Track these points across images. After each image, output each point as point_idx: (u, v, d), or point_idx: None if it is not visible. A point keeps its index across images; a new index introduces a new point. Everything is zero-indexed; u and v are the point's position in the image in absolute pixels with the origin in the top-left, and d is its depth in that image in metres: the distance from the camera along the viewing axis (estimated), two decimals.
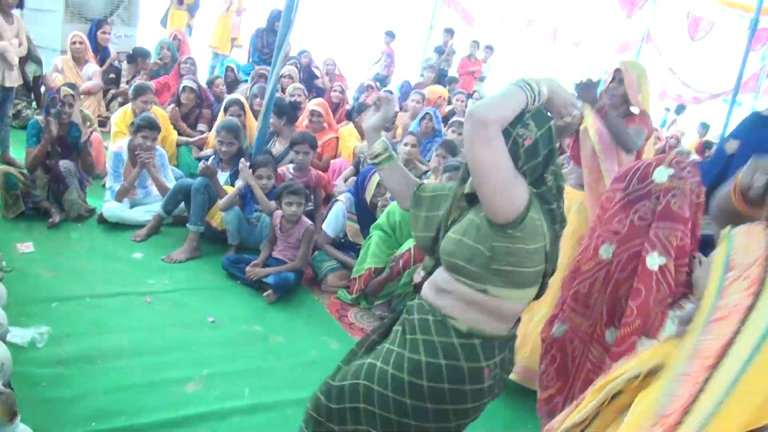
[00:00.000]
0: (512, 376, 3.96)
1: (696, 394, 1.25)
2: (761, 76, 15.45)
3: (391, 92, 8.94)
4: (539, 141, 2.12)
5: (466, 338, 2.17)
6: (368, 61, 13.21)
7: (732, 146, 3.66)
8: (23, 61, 6.70)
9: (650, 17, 14.09)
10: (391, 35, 13.21)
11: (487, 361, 2.18)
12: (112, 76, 8.47)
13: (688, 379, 1.26)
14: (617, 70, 4.08)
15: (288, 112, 6.87)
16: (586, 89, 3.95)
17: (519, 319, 2.34)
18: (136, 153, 5.56)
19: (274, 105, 6.16)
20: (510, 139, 2.09)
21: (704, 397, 1.22)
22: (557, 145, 2.21)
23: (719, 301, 1.15)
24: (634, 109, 4.10)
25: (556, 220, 2.18)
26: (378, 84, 10.77)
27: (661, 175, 2.81)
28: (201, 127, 7.42)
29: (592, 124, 4.01)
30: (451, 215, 2.31)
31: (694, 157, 9.83)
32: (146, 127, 5.62)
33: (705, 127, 13.90)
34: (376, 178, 5.20)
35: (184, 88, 7.36)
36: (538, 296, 2.30)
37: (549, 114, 2.20)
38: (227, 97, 7.16)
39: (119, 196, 5.56)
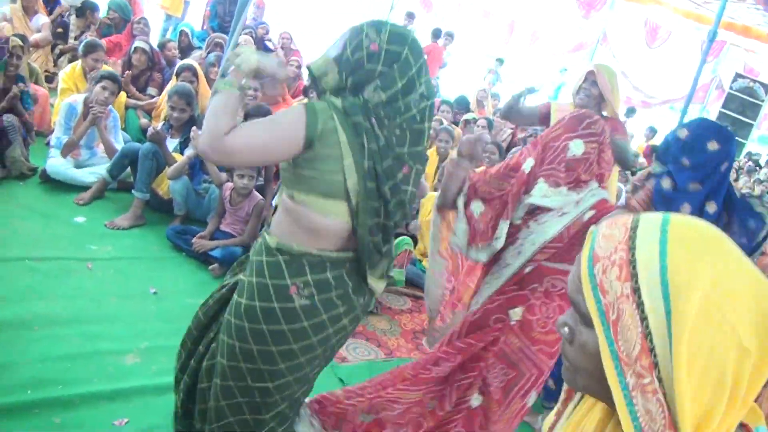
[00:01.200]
0: None
1: None
2: (710, 88, 15.78)
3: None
4: (383, 53, 2.12)
5: (272, 255, 2.22)
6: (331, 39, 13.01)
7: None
8: None
9: (607, 20, 14.23)
10: None
11: (293, 279, 2.19)
12: (59, 30, 8.17)
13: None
14: (591, 72, 4.12)
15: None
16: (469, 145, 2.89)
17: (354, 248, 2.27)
18: (90, 106, 5.36)
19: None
20: (357, 38, 2.13)
21: None
22: (402, 74, 2.14)
23: (604, 298, 1.02)
24: (604, 112, 4.15)
25: (363, 133, 2.09)
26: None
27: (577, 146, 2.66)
28: (151, 90, 7.19)
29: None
30: None
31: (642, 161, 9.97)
32: (108, 78, 5.47)
33: (653, 131, 14.13)
34: None
35: (136, 49, 7.12)
36: (358, 222, 2.20)
37: (409, 38, 2.17)
38: (180, 62, 6.97)
39: (65, 150, 5.36)
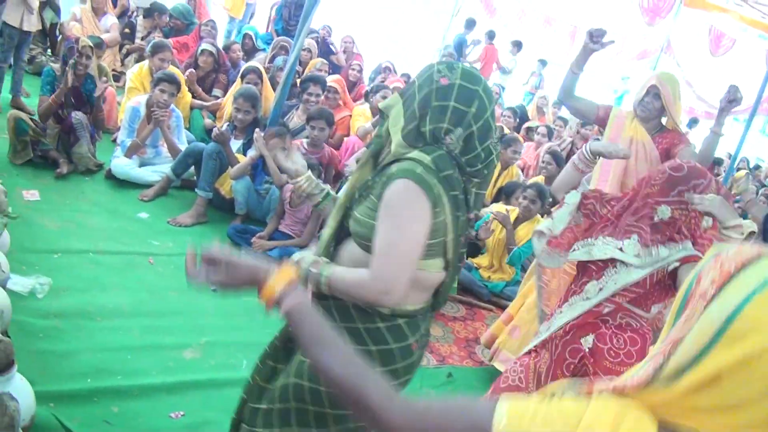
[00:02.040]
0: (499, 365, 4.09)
1: None
2: None
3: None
4: (455, 89, 1.97)
5: (390, 320, 2.07)
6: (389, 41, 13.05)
7: None
8: (41, 7, 6.63)
9: (672, 28, 13.94)
10: None
11: (414, 336, 2.12)
12: (126, 30, 8.38)
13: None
14: (653, 86, 3.99)
15: None
16: (598, 34, 3.85)
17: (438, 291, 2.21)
18: (151, 110, 5.49)
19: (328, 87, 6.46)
20: (427, 73, 2.01)
21: None
22: (480, 115, 2.00)
23: (694, 287, 0.98)
24: (664, 122, 4.08)
25: (456, 186, 1.99)
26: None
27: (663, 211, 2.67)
28: (216, 92, 7.32)
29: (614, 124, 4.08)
30: (357, 183, 2.15)
31: None
32: (165, 80, 5.56)
33: None
34: None
35: (202, 51, 7.24)
36: (447, 266, 2.14)
37: (483, 80, 2.04)
38: (245, 65, 7.07)
39: (129, 152, 5.50)
